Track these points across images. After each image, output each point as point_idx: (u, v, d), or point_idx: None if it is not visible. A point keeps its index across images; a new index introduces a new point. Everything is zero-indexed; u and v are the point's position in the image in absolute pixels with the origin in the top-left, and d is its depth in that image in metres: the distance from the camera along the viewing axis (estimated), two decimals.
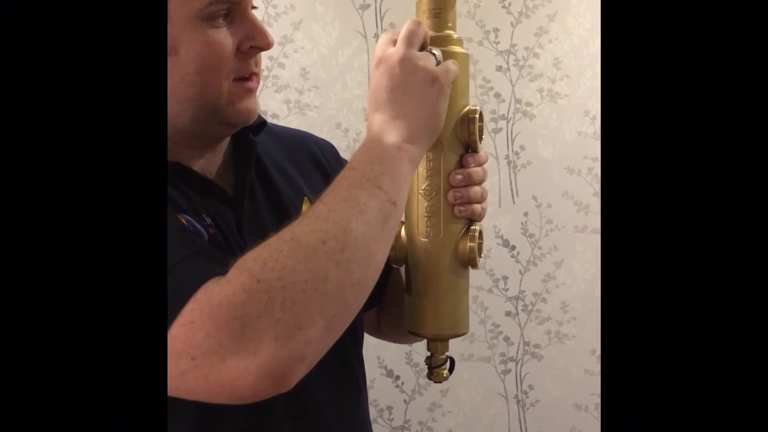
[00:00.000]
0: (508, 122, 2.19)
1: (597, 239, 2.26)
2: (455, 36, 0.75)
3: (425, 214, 0.75)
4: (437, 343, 0.79)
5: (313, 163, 0.90)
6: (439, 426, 2.19)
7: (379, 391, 2.14)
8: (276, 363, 0.56)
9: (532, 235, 2.23)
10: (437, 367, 0.79)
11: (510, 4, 2.18)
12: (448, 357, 0.80)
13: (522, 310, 2.24)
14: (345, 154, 0.97)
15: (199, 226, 0.71)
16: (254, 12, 0.74)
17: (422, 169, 0.75)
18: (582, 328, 2.27)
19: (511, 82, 2.19)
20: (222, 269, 0.59)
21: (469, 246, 0.75)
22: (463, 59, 0.75)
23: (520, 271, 2.23)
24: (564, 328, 2.26)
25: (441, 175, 0.75)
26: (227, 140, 0.80)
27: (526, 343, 2.24)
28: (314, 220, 0.61)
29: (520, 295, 2.23)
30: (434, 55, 0.70)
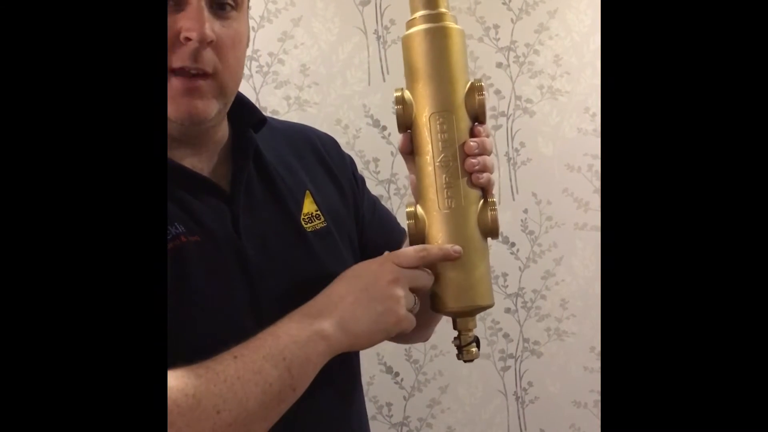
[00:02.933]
0: (508, 119, 2.19)
1: (597, 236, 2.26)
2: (449, 14, 0.78)
3: (444, 185, 0.76)
4: (467, 319, 0.78)
5: (315, 156, 0.90)
6: (439, 423, 2.19)
7: (378, 387, 2.15)
8: None
9: (531, 232, 2.23)
10: (467, 345, 0.79)
11: (510, 1, 2.17)
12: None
13: (521, 307, 2.24)
14: (345, 151, 0.97)
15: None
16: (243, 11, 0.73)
17: (436, 142, 0.76)
18: (581, 325, 2.27)
19: (511, 78, 2.19)
20: None
21: (491, 215, 0.76)
22: (461, 35, 0.78)
23: (519, 268, 2.23)
24: (563, 325, 2.26)
25: (455, 144, 0.76)
26: (221, 140, 0.80)
27: (526, 340, 2.24)
28: (221, 383, 0.65)
29: (520, 292, 2.23)
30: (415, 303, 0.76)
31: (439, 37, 0.77)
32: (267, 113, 0.81)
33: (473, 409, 2.22)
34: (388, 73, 2.10)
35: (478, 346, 0.80)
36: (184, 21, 0.70)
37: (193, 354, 0.69)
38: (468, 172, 0.76)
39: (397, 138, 2.26)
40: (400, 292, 0.73)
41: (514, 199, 2.21)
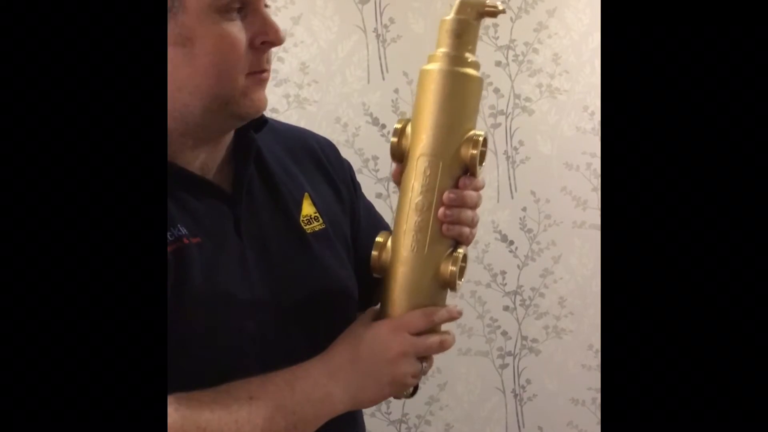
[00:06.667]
0: (507, 117, 2.20)
1: (595, 234, 2.26)
2: (471, 59, 0.77)
3: (413, 228, 0.75)
4: None
5: (314, 160, 0.90)
6: (437, 420, 2.20)
7: None
8: None
9: (530, 230, 2.23)
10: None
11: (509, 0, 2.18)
12: None
13: (520, 305, 2.24)
14: (344, 149, 0.97)
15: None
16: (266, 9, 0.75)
17: (417, 184, 0.75)
18: (579, 323, 2.27)
19: (510, 77, 2.19)
20: None
21: (450, 270, 0.75)
22: (476, 83, 0.77)
23: (518, 266, 2.23)
24: (561, 323, 2.27)
25: (435, 191, 0.75)
26: (230, 135, 0.81)
27: (524, 338, 2.25)
28: (232, 423, 0.68)
29: (518, 290, 2.24)
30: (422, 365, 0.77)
31: (451, 82, 0.75)
32: (266, 112, 0.81)
33: (471, 407, 2.22)
34: (387, 71, 2.10)
35: (414, 392, 0.80)
36: (259, 27, 0.72)
37: (194, 355, 0.70)
38: (439, 222, 0.75)
39: None
40: (408, 367, 0.75)
41: (512, 198, 2.21)
